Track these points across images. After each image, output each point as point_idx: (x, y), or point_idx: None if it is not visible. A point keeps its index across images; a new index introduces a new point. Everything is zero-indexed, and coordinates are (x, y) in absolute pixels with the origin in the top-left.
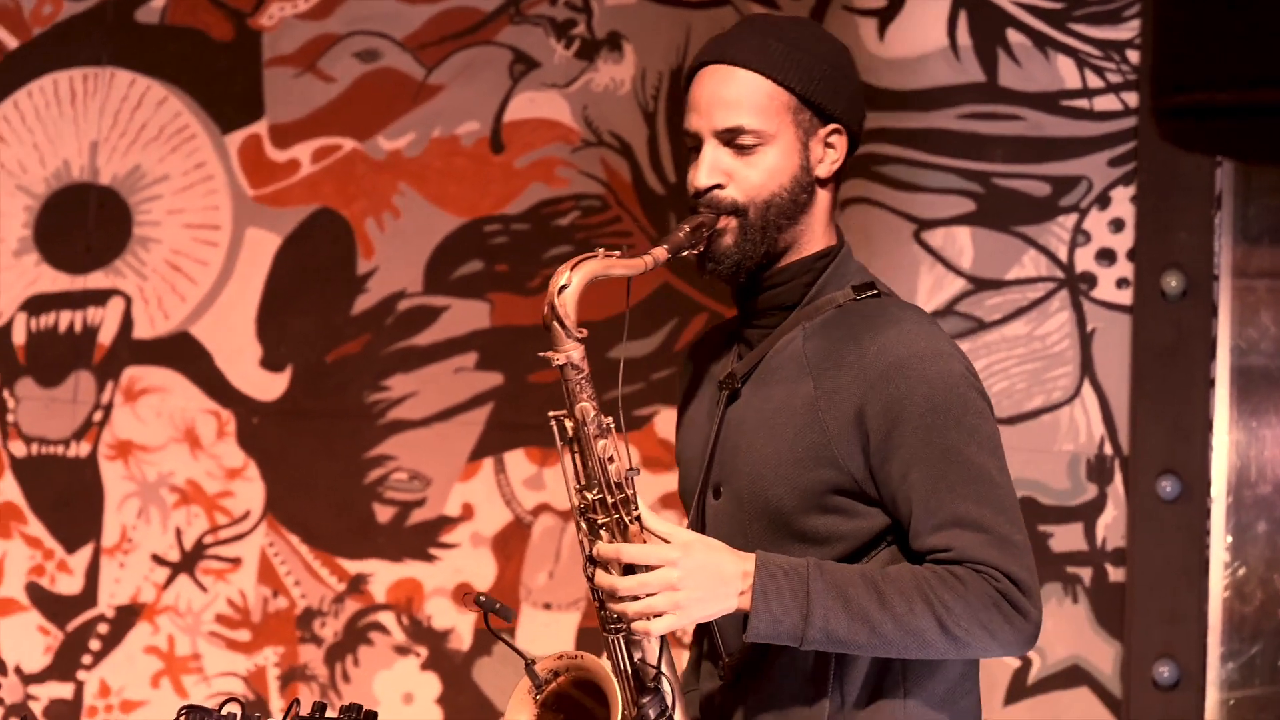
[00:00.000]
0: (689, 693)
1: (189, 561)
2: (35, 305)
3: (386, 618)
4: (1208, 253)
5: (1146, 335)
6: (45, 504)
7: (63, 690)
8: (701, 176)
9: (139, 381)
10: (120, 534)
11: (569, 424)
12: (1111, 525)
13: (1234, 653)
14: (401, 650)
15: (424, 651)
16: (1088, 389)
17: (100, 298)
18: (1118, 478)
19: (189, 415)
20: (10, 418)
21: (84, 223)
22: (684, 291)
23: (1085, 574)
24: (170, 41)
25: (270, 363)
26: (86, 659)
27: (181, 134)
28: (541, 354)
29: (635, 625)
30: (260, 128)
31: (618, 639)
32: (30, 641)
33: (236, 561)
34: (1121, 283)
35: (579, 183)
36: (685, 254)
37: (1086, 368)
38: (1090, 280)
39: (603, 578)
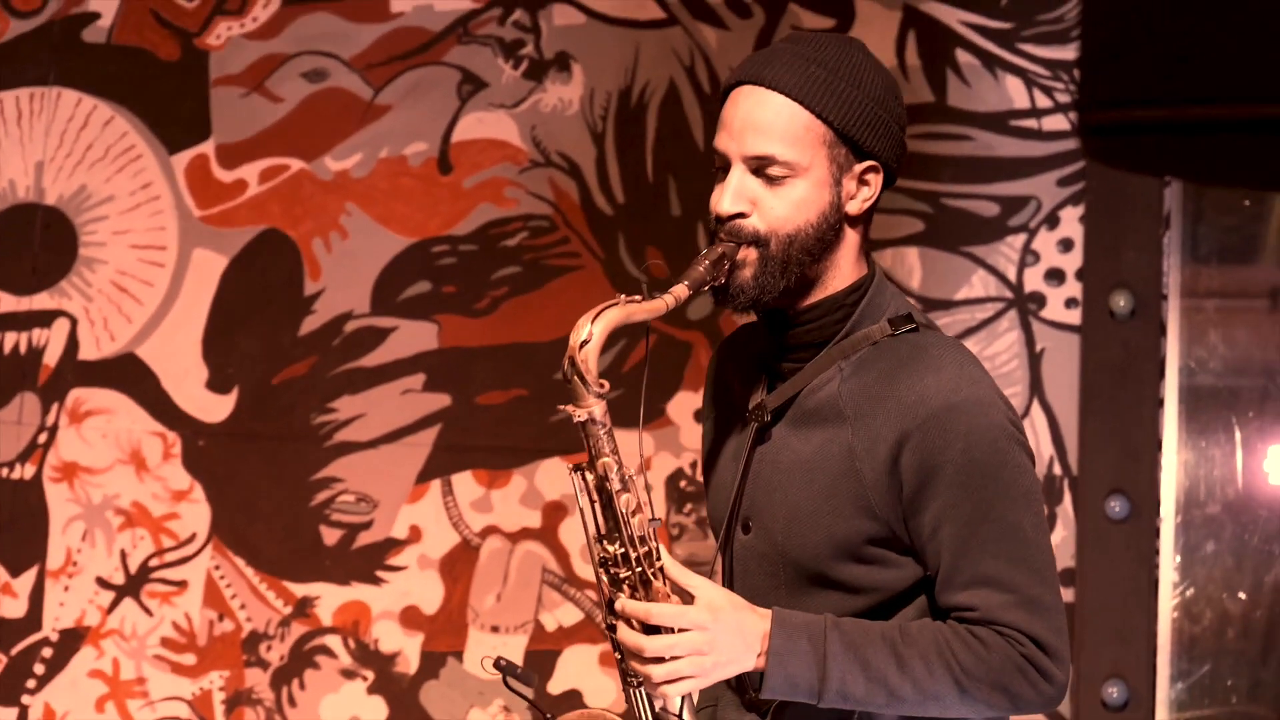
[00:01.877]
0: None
1: (134, 584)
2: None
3: (333, 641)
4: (1156, 272)
5: (1095, 355)
6: None
7: (7, 715)
8: (726, 202)
9: (84, 403)
10: (65, 557)
11: (590, 477)
12: (1060, 545)
13: (1183, 673)
14: (348, 674)
15: (370, 675)
16: (1037, 409)
17: (46, 319)
18: (1067, 498)
19: (135, 437)
20: None
21: (30, 243)
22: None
23: None
24: (117, 61)
25: (217, 384)
26: (30, 683)
27: (128, 154)
28: (562, 407)
29: (656, 690)
30: (207, 148)
31: (638, 691)
32: None
33: (182, 585)
34: (1070, 302)
35: (527, 203)
36: (708, 288)
37: (1035, 388)
38: (1039, 300)
39: (628, 635)
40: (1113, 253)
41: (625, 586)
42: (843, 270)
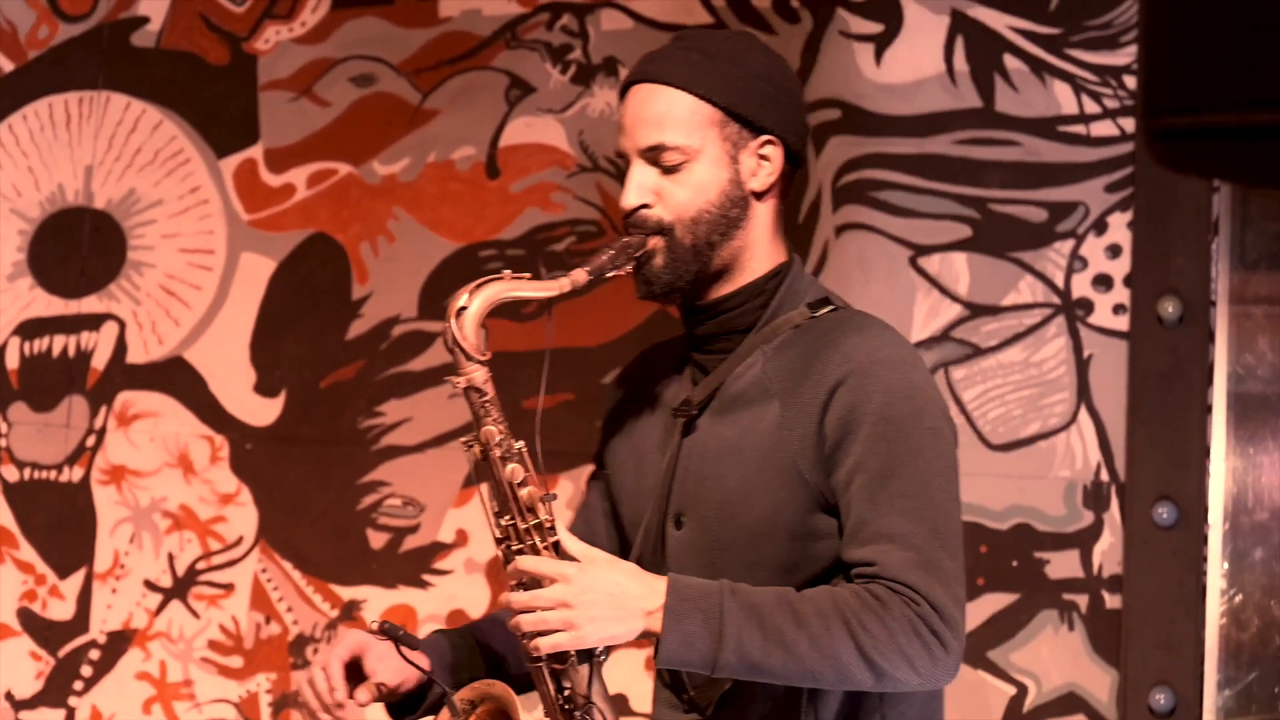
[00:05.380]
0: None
1: (181, 587)
2: (29, 329)
3: None
4: (1205, 278)
5: (1143, 361)
6: (37, 529)
7: (54, 717)
8: (629, 196)
9: (132, 406)
10: (113, 559)
11: (477, 449)
12: (1108, 552)
13: (1230, 680)
14: None
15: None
16: (1084, 415)
17: (94, 322)
18: (1114, 504)
19: (182, 440)
20: (3, 442)
21: (78, 247)
22: (678, 319)
23: (1081, 601)
24: (166, 65)
25: (264, 388)
26: (78, 685)
27: (176, 158)
28: (445, 378)
29: (527, 644)
30: (255, 152)
31: (540, 668)
32: (22, 667)
33: (229, 587)
34: (1118, 309)
35: (574, 208)
36: (613, 275)
37: (1083, 394)
38: (1087, 306)
39: (504, 594)
40: (1161, 259)
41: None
42: (759, 253)
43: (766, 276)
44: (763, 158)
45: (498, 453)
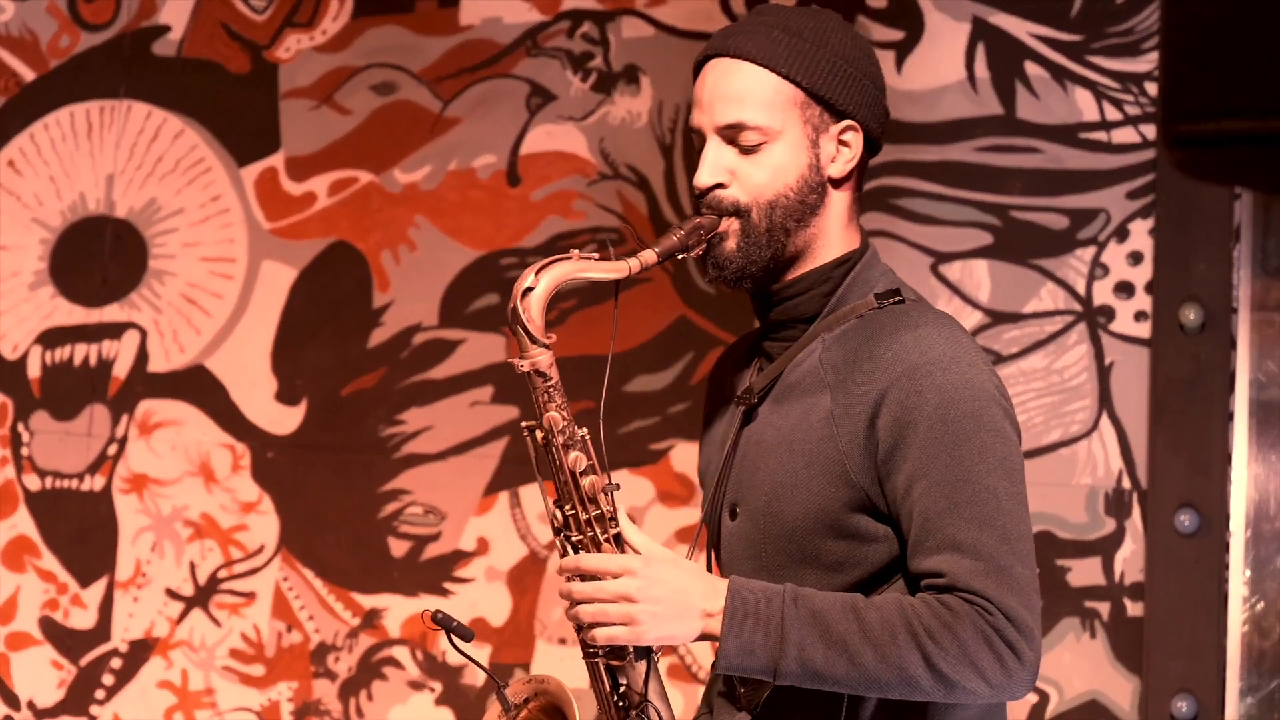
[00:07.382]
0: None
1: (203, 596)
2: (50, 338)
3: (401, 653)
4: (1226, 285)
5: (1165, 368)
6: (59, 538)
7: None
8: (703, 175)
9: (154, 415)
10: (134, 568)
11: (539, 435)
12: (1130, 559)
13: (1253, 687)
14: (416, 685)
15: (438, 687)
16: (1106, 422)
17: (115, 331)
18: (1136, 511)
19: (204, 449)
20: (25, 451)
21: (100, 256)
22: (700, 325)
23: (1103, 608)
24: (187, 74)
25: (285, 396)
26: (100, 694)
27: (198, 166)
28: (508, 360)
29: (584, 635)
30: (277, 160)
31: (597, 664)
32: (43, 676)
33: (250, 596)
34: (1140, 316)
35: (595, 216)
36: (683, 257)
37: (1105, 401)
38: (1108, 313)
39: (563, 585)
40: (1183, 266)
41: (579, 552)
42: (831, 239)
43: (833, 264)
44: (843, 143)
45: (560, 440)
